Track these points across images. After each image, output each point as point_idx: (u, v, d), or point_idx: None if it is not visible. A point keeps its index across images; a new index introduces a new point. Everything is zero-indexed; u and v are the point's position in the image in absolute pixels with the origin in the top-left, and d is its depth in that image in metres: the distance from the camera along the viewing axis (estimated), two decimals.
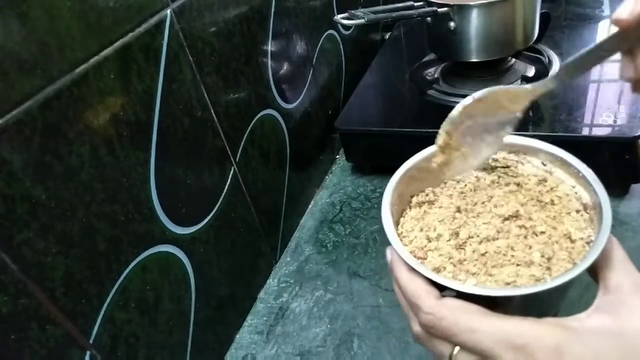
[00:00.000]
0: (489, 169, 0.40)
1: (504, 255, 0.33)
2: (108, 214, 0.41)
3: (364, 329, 0.57)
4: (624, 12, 0.29)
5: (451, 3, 0.68)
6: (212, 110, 0.53)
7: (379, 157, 0.76)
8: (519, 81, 0.74)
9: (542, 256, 0.32)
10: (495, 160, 0.40)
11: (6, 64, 0.33)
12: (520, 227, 0.35)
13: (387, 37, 1.02)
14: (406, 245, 0.36)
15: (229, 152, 0.57)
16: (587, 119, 0.63)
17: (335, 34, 0.82)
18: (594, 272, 0.31)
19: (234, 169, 0.58)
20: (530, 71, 0.75)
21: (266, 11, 0.62)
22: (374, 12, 0.66)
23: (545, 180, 0.38)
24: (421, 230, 0.37)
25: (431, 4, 0.69)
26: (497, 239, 0.34)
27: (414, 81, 0.80)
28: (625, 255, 0.30)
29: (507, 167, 0.40)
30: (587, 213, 0.35)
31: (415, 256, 0.34)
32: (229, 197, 0.57)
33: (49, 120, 0.36)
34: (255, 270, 0.65)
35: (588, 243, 0.33)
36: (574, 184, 0.37)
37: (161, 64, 0.46)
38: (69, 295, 0.38)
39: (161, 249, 0.48)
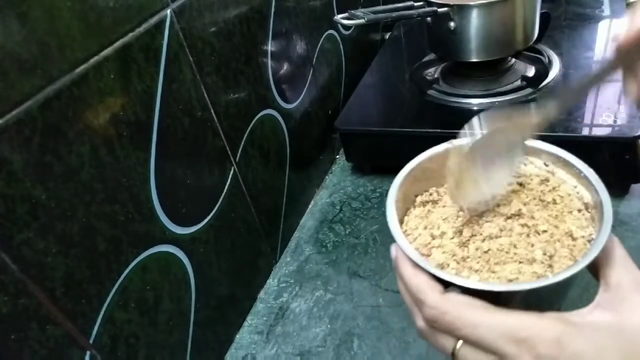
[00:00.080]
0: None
1: (507, 252, 0.33)
2: (108, 214, 0.41)
3: (364, 329, 0.57)
4: (622, 31, 0.30)
5: (451, 3, 0.68)
6: (212, 110, 0.53)
7: (379, 157, 0.76)
8: (519, 81, 0.74)
9: (544, 254, 0.32)
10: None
11: (6, 64, 0.33)
12: (523, 225, 0.35)
13: (387, 37, 1.02)
14: (410, 242, 0.36)
15: (229, 152, 0.57)
16: (587, 119, 0.63)
17: (335, 34, 0.81)
18: (595, 270, 0.31)
19: (234, 169, 0.58)
20: (530, 71, 0.75)
21: (266, 11, 0.62)
22: (374, 12, 0.66)
23: (547, 180, 0.38)
24: (425, 228, 0.37)
25: (431, 4, 0.69)
26: (500, 237, 0.34)
27: (414, 81, 0.80)
28: (626, 253, 0.31)
29: None
30: (589, 212, 0.35)
31: (419, 253, 0.34)
32: (229, 197, 0.57)
33: (49, 120, 0.36)
34: (255, 270, 0.65)
35: (589, 241, 0.33)
36: (575, 183, 0.37)
37: (161, 64, 0.46)
38: (69, 295, 0.38)
39: (161, 249, 0.48)
